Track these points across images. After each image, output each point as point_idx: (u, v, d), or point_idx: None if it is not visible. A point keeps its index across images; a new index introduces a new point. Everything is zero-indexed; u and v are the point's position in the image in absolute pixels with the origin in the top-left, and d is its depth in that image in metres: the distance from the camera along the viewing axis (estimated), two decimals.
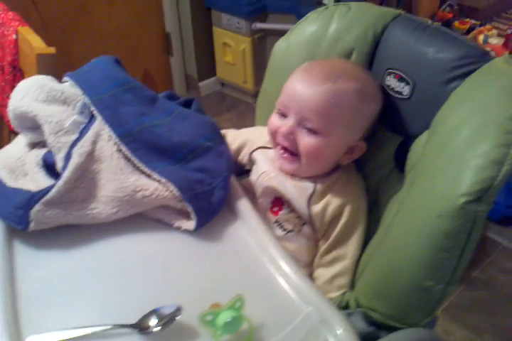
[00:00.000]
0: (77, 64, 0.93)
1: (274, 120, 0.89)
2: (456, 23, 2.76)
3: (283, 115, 0.87)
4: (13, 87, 1.27)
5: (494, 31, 2.66)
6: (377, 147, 0.91)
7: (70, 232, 0.77)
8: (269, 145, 0.95)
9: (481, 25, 2.70)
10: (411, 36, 0.84)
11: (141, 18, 2.44)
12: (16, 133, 1.32)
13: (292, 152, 0.87)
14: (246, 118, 2.60)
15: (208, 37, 2.62)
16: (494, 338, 1.59)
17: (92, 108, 0.83)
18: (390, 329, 0.78)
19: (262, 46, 2.52)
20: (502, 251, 1.88)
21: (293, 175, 0.90)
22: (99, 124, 0.82)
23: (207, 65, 2.72)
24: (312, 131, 0.84)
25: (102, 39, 2.33)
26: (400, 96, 0.85)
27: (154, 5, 2.47)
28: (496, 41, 2.58)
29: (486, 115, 0.69)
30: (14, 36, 1.19)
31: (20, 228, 0.74)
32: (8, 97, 1.30)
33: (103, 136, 0.81)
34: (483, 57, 0.78)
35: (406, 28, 0.85)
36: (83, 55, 2.18)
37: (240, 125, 1.15)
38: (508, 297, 1.71)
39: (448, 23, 2.74)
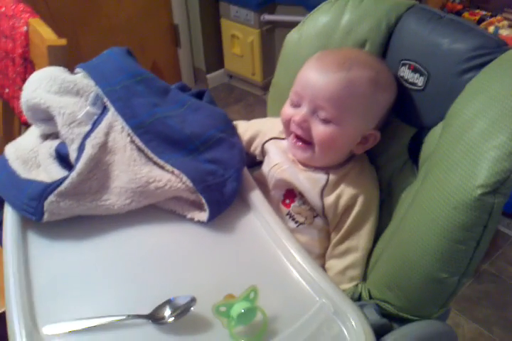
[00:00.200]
0: (85, 56, 0.93)
1: (288, 109, 0.88)
2: (466, 14, 2.74)
3: (296, 104, 0.87)
4: (24, 79, 1.28)
5: (505, 22, 2.63)
6: (390, 138, 0.91)
7: (83, 223, 0.77)
8: (282, 136, 0.95)
9: (491, 17, 2.67)
10: (425, 27, 0.83)
11: (149, 11, 2.44)
12: (27, 125, 1.32)
13: (306, 141, 0.87)
14: (254, 110, 2.59)
15: (216, 29, 2.62)
16: (503, 331, 1.59)
17: (105, 99, 0.83)
18: (403, 321, 0.78)
19: (270, 38, 2.51)
20: (511, 244, 1.87)
21: (306, 165, 0.90)
22: (111, 116, 0.82)
23: (215, 57, 2.72)
24: (326, 120, 0.83)
25: (111, 31, 2.33)
26: (414, 87, 0.84)
27: None
28: (506, 32, 2.56)
29: (502, 106, 0.68)
30: (25, 28, 1.19)
31: (35, 219, 0.74)
32: (19, 89, 1.30)
33: (116, 128, 0.81)
34: (499, 47, 0.77)
35: (420, 18, 0.84)
36: (92, 47, 2.19)
37: (248, 117, 1.15)
38: None
39: (458, 14, 2.71)
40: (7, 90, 1.34)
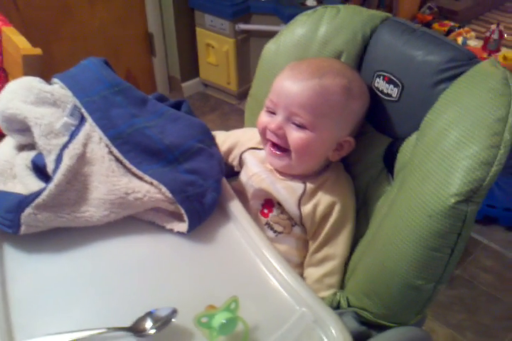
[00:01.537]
0: (58, 64, 0.93)
1: (263, 117, 0.89)
2: (436, 25, 2.81)
3: (272, 112, 0.88)
4: None
5: (472, 33, 2.71)
6: (366, 148, 0.92)
7: (61, 235, 0.76)
8: (259, 147, 0.96)
9: (459, 28, 2.74)
10: (399, 39, 0.85)
11: (123, 19, 2.43)
12: (2, 136, 1.31)
13: (282, 148, 0.88)
14: (229, 119, 2.60)
15: (191, 38, 2.62)
16: (476, 336, 1.62)
17: (83, 110, 0.82)
18: (381, 328, 0.79)
19: (245, 47, 2.53)
20: (483, 250, 1.91)
21: (283, 174, 0.91)
22: (89, 126, 0.81)
23: (190, 65, 2.72)
24: (301, 126, 0.85)
25: (84, 39, 2.31)
26: (388, 98, 0.86)
27: (137, 5, 2.46)
28: (474, 43, 2.63)
29: (474, 117, 0.70)
30: None
31: (11, 232, 0.73)
32: None
33: (94, 138, 0.81)
34: (470, 60, 0.79)
35: (394, 30, 0.86)
36: (65, 55, 2.18)
37: (223, 126, 1.15)
38: (489, 295, 1.74)
39: (428, 25, 2.78)
40: None
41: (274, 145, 0.89)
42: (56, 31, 2.20)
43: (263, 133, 0.90)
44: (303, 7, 2.32)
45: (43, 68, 1.12)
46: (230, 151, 1.01)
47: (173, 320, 0.64)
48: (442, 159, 0.71)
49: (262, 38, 2.41)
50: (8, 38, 1.15)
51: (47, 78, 0.90)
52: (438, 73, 0.79)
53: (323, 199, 0.89)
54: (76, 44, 2.27)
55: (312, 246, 0.91)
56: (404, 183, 0.78)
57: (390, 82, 0.85)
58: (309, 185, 0.90)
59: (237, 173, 1.00)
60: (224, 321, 0.62)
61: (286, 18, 2.28)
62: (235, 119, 2.58)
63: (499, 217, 1.98)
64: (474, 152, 0.68)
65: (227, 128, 1.08)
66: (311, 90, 0.83)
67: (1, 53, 1.20)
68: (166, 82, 2.77)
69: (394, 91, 0.85)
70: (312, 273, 0.91)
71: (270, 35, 1.04)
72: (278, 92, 0.86)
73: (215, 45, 2.53)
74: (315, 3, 2.34)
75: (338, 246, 0.90)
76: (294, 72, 0.86)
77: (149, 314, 0.65)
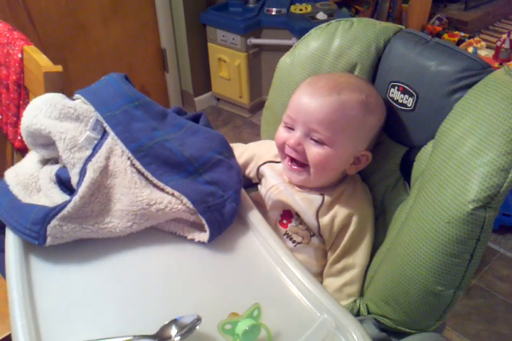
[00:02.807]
0: (74, 81, 0.95)
1: (282, 133, 0.91)
2: (446, 36, 2.83)
3: (290, 128, 0.90)
4: (17, 106, 1.29)
5: (483, 43, 2.72)
6: (382, 157, 0.94)
7: (85, 246, 0.78)
8: (277, 160, 0.97)
9: (469, 38, 2.76)
10: (413, 50, 0.86)
11: (137, 35, 2.48)
12: (20, 151, 1.33)
13: (300, 163, 0.89)
14: (242, 132, 2.62)
15: (203, 53, 2.66)
16: None
17: (105, 124, 0.84)
18: (401, 334, 0.80)
19: (256, 61, 2.56)
20: (499, 259, 1.90)
21: (301, 186, 0.92)
22: (111, 140, 0.83)
23: (202, 80, 2.75)
24: (319, 142, 0.86)
25: (99, 56, 2.36)
26: (404, 108, 0.88)
27: (150, 22, 2.50)
28: (485, 53, 2.64)
29: (490, 125, 0.71)
30: (19, 55, 1.21)
31: (38, 243, 0.75)
32: (12, 115, 1.31)
33: (116, 152, 0.83)
34: (483, 69, 0.80)
35: (408, 42, 0.88)
36: (80, 73, 2.22)
37: (235, 139, 1.16)
38: (507, 304, 1.73)
39: (438, 36, 2.80)
40: (0, 117, 1.35)
41: (293, 160, 0.90)
42: (72, 49, 2.24)
43: (281, 148, 0.91)
44: (313, 21, 2.34)
45: (63, 85, 1.15)
46: (247, 164, 1.03)
47: (197, 327, 0.65)
48: (459, 166, 0.72)
49: (274, 51, 2.44)
50: (29, 56, 1.18)
51: (65, 95, 0.92)
52: (452, 83, 0.81)
53: (340, 211, 0.90)
54: (91, 61, 2.32)
55: (331, 257, 0.92)
56: (421, 191, 0.78)
57: (404, 92, 0.87)
58: (327, 197, 0.91)
59: (254, 185, 1.01)
60: (247, 328, 0.62)
61: (297, 32, 2.31)
62: (248, 132, 2.60)
63: None
64: (491, 159, 0.70)
65: (239, 141, 1.10)
66: (330, 106, 0.84)
67: (23, 71, 1.23)
68: (179, 96, 2.81)
69: (409, 101, 0.86)
70: (332, 282, 0.92)
71: (281, 48, 1.06)
72: (296, 108, 0.88)
73: (227, 60, 2.56)
74: (325, 17, 2.37)
75: (357, 256, 0.90)
76: (312, 88, 0.87)
77: (174, 321, 0.66)
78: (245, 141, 1.10)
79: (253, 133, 2.55)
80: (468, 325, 1.67)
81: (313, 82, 0.90)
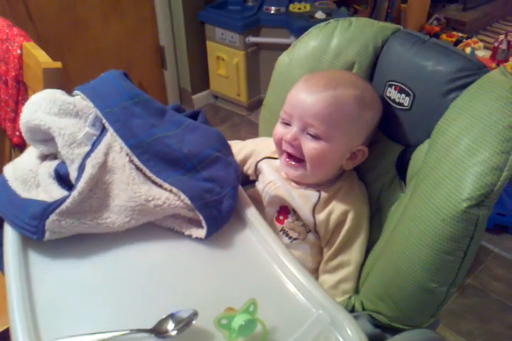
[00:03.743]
0: (73, 78, 0.96)
1: (279, 129, 0.92)
2: (444, 36, 2.83)
3: (287, 124, 0.90)
4: (16, 101, 1.30)
5: (480, 44, 2.73)
6: (379, 156, 0.94)
7: (84, 241, 0.79)
8: (275, 156, 0.98)
9: (467, 38, 2.77)
10: (410, 50, 0.87)
11: (135, 33, 2.48)
12: (19, 147, 1.34)
13: (297, 158, 0.90)
14: (240, 130, 2.63)
15: (202, 50, 2.66)
16: None
17: (104, 120, 0.85)
18: (395, 330, 0.81)
19: (255, 59, 2.56)
20: (494, 258, 1.91)
21: (298, 182, 0.93)
22: (110, 136, 0.84)
23: (200, 78, 2.76)
24: (315, 137, 0.87)
25: (97, 53, 2.36)
26: (400, 107, 0.89)
27: (149, 19, 2.51)
28: (482, 53, 2.65)
29: (485, 124, 0.72)
30: (19, 51, 1.21)
31: (36, 238, 0.75)
32: (11, 111, 1.32)
33: (115, 148, 0.83)
34: (479, 69, 0.81)
35: (405, 42, 0.89)
36: (79, 69, 2.22)
37: (233, 137, 1.17)
38: (501, 303, 1.74)
39: (436, 36, 2.80)
40: None
41: (290, 155, 0.91)
42: (70, 46, 2.25)
43: (279, 144, 0.92)
44: (312, 20, 2.35)
45: (62, 81, 1.15)
46: (245, 160, 1.03)
47: (193, 321, 0.66)
48: (454, 165, 0.73)
49: (272, 50, 2.45)
50: (28, 52, 1.18)
51: (64, 91, 0.93)
52: (448, 82, 0.82)
53: (336, 207, 0.91)
54: (90, 58, 2.32)
55: (327, 254, 0.93)
56: (416, 189, 0.79)
57: (401, 91, 0.88)
58: (323, 194, 0.91)
59: (252, 182, 1.02)
60: (243, 323, 0.63)
61: (296, 31, 2.32)
62: (245, 130, 2.61)
63: (510, 225, 1.99)
64: (485, 158, 0.71)
65: (237, 139, 1.11)
66: (325, 101, 0.85)
67: (22, 67, 1.24)
68: (177, 94, 2.81)
69: (406, 100, 0.87)
70: (327, 279, 0.93)
71: (280, 47, 1.07)
72: (293, 104, 0.89)
73: (226, 58, 2.57)
74: (324, 16, 2.38)
75: (353, 253, 0.91)
76: (308, 84, 0.88)
77: (171, 316, 0.66)
78: (243, 139, 1.11)
79: (251, 132, 2.56)
80: (462, 324, 1.68)
81: (310, 78, 0.91)
